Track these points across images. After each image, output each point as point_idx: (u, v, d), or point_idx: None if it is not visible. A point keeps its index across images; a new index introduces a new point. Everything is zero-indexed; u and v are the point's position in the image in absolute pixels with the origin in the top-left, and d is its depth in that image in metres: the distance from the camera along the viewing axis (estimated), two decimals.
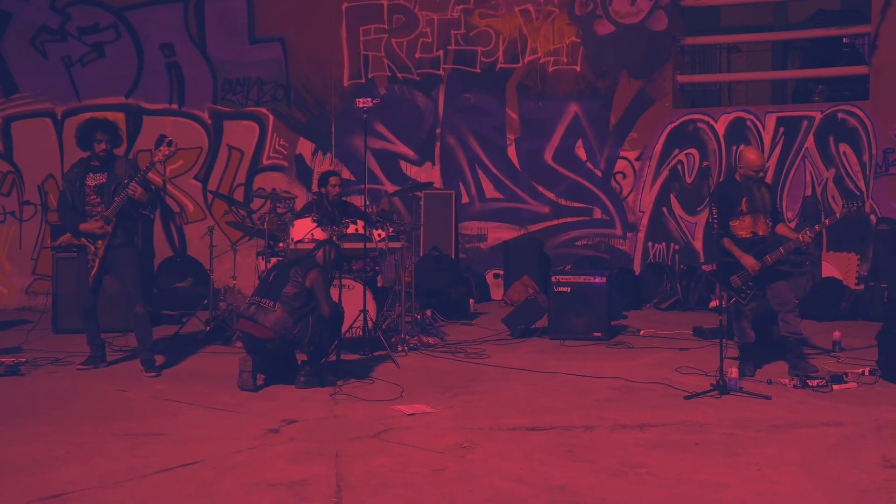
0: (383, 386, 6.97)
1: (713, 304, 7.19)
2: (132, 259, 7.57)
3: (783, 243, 7.10)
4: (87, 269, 7.49)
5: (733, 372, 6.67)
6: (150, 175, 7.56)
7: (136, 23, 12.71)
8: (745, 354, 7.27)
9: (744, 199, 7.15)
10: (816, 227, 7.14)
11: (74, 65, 12.71)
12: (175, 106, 12.76)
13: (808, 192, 11.27)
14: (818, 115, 11.40)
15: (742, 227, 7.17)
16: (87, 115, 10.85)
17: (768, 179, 11.23)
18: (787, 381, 6.92)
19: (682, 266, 11.56)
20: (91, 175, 7.53)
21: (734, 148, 11.44)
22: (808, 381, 6.81)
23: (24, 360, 7.83)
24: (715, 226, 7.10)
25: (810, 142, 11.37)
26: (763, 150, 11.46)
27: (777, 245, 7.11)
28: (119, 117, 12.31)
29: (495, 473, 4.92)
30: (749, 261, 7.04)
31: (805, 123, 11.43)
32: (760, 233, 7.17)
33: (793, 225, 7.17)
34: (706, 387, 6.66)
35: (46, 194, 12.48)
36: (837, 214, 7.13)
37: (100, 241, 7.44)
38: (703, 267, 11.38)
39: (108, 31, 12.74)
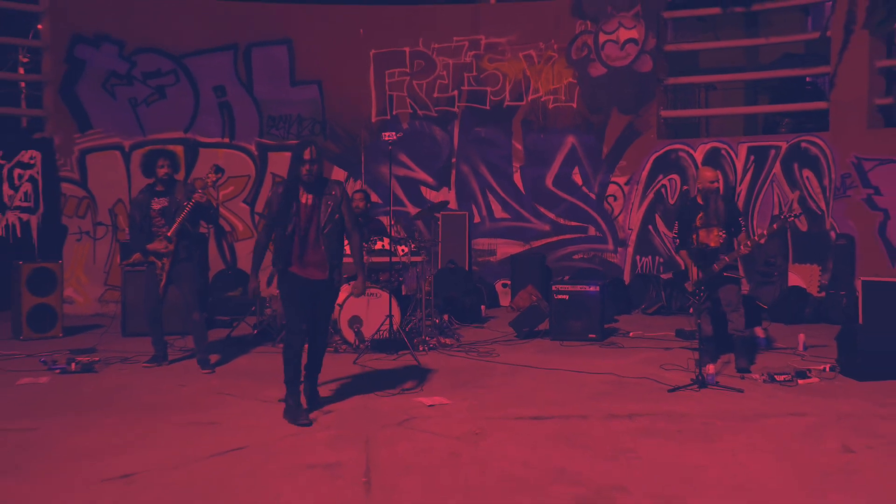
0: (406, 380, 6.97)
1: (693, 309, 7.14)
2: (192, 272, 7.62)
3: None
4: (155, 281, 7.56)
5: (710, 368, 6.65)
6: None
7: (192, 68, 12.80)
8: (704, 347, 7.04)
9: (699, 216, 7.15)
10: (755, 237, 6.96)
11: (140, 105, 12.80)
12: (227, 139, 12.83)
13: (776, 211, 11.22)
14: (784, 145, 11.37)
15: (697, 239, 7.17)
16: (150, 148, 10.97)
17: (741, 200, 11.25)
18: (757, 376, 6.90)
19: (665, 276, 11.53)
20: (156, 199, 7.59)
21: None
22: (776, 376, 6.79)
23: (97, 359, 7.87)
24: (676, 240, 7.36)
25: (777, 168, 11.34)
26: (736, 175, 11.44)
27: (728, 254, 7.09)
28: (178, 150, 12.39)
29: (504, 458, 4.93)
30: (692, 274, 7.12)
31: (773, 152, 11.40)
32: (711, 244, 7.12)
33: (762, 241, 7.07)
34: (687, 381, 6.65)
35: (116, 216, 12.55)
36: (775, 226, 7.08)
37: (165, 258, 7.51)
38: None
39: (169, 75, 12.83)
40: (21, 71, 13.52)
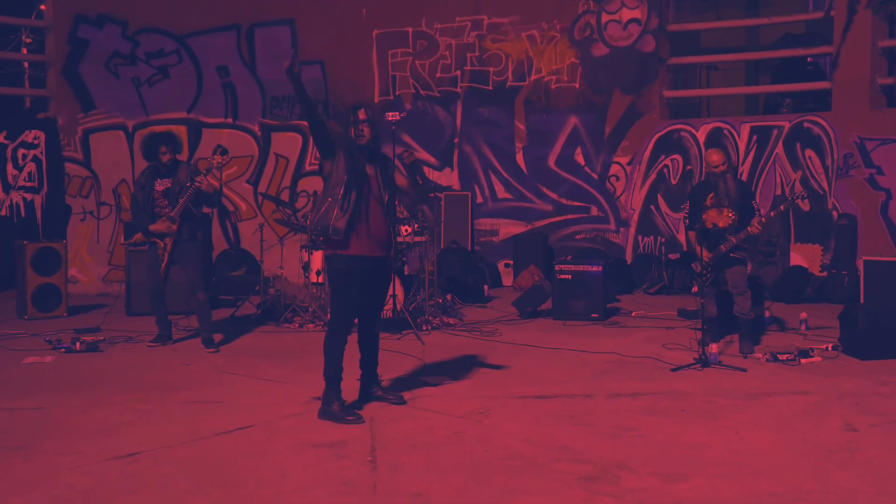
0: (410, 360, 6.94)
1: (695, 289, 7.08)
2: (195, 252, 7.56)
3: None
4: (157, 261, 7.51)
5: (713, 348, 6.62)
6: (211, 179, 7.55)
7: (195, 48, 12.72)
8: (708, 327, 6.95)
9: (710, 196, 7.06)
10: (763, 218, 6.85)
11: (143, 85, 12.75)
12: (230, 120, 12.77)
13: (778, 191, 11.15)
14: (787, 125, 11.28)
15: (707, 219, 7.07)
16: (151, 129, 10.91)
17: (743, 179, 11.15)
18: (760, 355, 6.86)
19: (667, 256, 11.48)
20: (158, 181, 7.54)
21: None
22: (778, 355, 6.75)
23: (102, 338, 7.86)
24: (685, 219, 7.25)
25: (780, 148, 11.25)
26: (738, 155, 11.36)
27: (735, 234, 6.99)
28: (181, 130, 12.34)
29: (508, 435, 4.90)
30: (705, 252, 6.96)
31: (775, 132, 11.31)
32: (720, 224, 6.99)
33: (765, 222, 6.97)
34: (690, 360, 6.62)
35: (119, 196, 12.52)
36: (781, 207, 7.04)
37: (168, 238, 7.46)
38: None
39: (172, 55, 12.76)
40: (24, 51, 13.45)
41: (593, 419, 5.24)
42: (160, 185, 7.53)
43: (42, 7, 12.98)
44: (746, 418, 5.22)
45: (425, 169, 12.55)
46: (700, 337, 6.66)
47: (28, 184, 12.32)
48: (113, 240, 12.46)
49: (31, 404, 5.70)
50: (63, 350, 7.47)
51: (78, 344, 7.53)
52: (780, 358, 6.71)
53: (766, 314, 8.35)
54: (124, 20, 12.67)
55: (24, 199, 12.29)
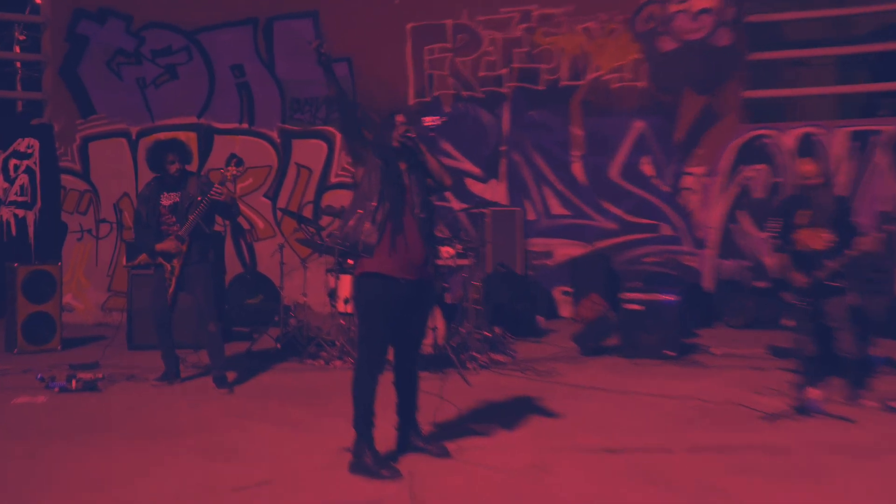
0: (455, 404, 6.81)
1: (788, 322, 6.87)
2: (205, 275, 7.53)
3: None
4: (163, 286, 7.49)
5: (813, 393, 6.40)
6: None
7: (207, 45, 12.82)
8: (805, 368, 6.65)
9: (802, 213, 6.89)
10: (867, 239, 6.62)
11: (148, 86, 12.87)
12: (245, 125, 12.83)
13: (882, 207, 10.87)
14: (892, 129, 11.04)
15: (800, 240, 6.90)
16: (158, 137, 10.95)
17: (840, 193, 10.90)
18: (872, 403, 6.63)
19: (753, 283, 11.26)
20: (165, 194, 7.53)
21: None
22: (893, 403, 6.51)
23: (100, 375, 7.83)
24: (774, 240, 7.07)
25: (882, 156, 11.01)
26: (833, 165, 11.12)
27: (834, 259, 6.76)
28: (191, 137, 12.40)
29: (571, 495, 4.78)
30: (798, 279, 6.76)
31: (877, 138, 11.09)
32: (815, 246, 6.81)
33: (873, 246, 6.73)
34: (785, 408, 6.42)
35: (121, 212, 12.61)
36: (894, 227, 6.80)
37: (176, 260, 7.43)
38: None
39: (181, 53, 12.87)
40: (17, 50, 13.62)
41: (672, 478, 5.09)
42: (167, 200, 7.51)
43: (37, 1, 13.16)
44: (858, 481, 5.03)
45: (466, 181, 12.47)
46: (796, 380, 6.46)
47: (20, 198, 12.45)
48: (113, 262, 12.54)
49: (21, 452, 5.67)
50: (57, 389, 7.45)
51: (73, 382, 7.51)
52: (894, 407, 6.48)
53: (876, 353, 8.08)
54: (128, 14, 12.82)
55: (16, 215, 12.42)
